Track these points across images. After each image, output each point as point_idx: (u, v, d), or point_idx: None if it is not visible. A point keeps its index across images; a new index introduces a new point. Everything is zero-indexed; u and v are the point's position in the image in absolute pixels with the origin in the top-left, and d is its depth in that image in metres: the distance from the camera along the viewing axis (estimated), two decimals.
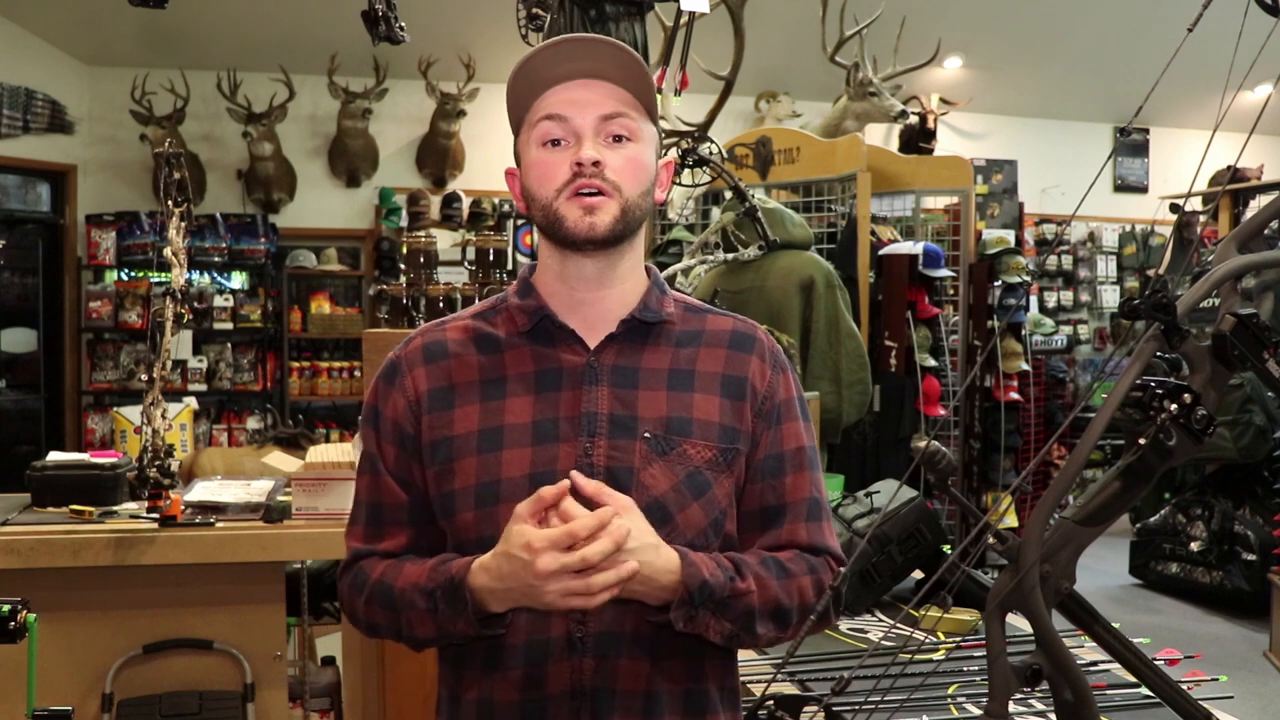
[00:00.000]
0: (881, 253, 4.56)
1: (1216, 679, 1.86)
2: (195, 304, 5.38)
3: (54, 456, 2.72)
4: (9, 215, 6.19)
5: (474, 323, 1.22)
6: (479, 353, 1.19)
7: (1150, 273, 7.83)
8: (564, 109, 1.12)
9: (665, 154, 1.25)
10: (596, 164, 1.10)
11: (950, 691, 1.72)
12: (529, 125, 1.15)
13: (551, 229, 1.14)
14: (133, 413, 3.24)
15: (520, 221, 6.35)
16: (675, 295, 1.25)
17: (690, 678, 1.14)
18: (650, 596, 1.06)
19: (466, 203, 6.50)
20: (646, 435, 1.13)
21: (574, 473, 1.04)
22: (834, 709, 1.06)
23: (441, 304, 2.75)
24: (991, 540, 0.93)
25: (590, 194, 1.11)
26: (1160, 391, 0.92)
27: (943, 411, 4.58)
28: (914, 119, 5.96)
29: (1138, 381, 0.93)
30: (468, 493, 1.13)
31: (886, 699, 1.21)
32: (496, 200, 6.50)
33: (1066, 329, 8.03)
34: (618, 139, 1.13)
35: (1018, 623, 1.61)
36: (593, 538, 0.99)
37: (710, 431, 1.15)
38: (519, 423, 1.14)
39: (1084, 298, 8.28)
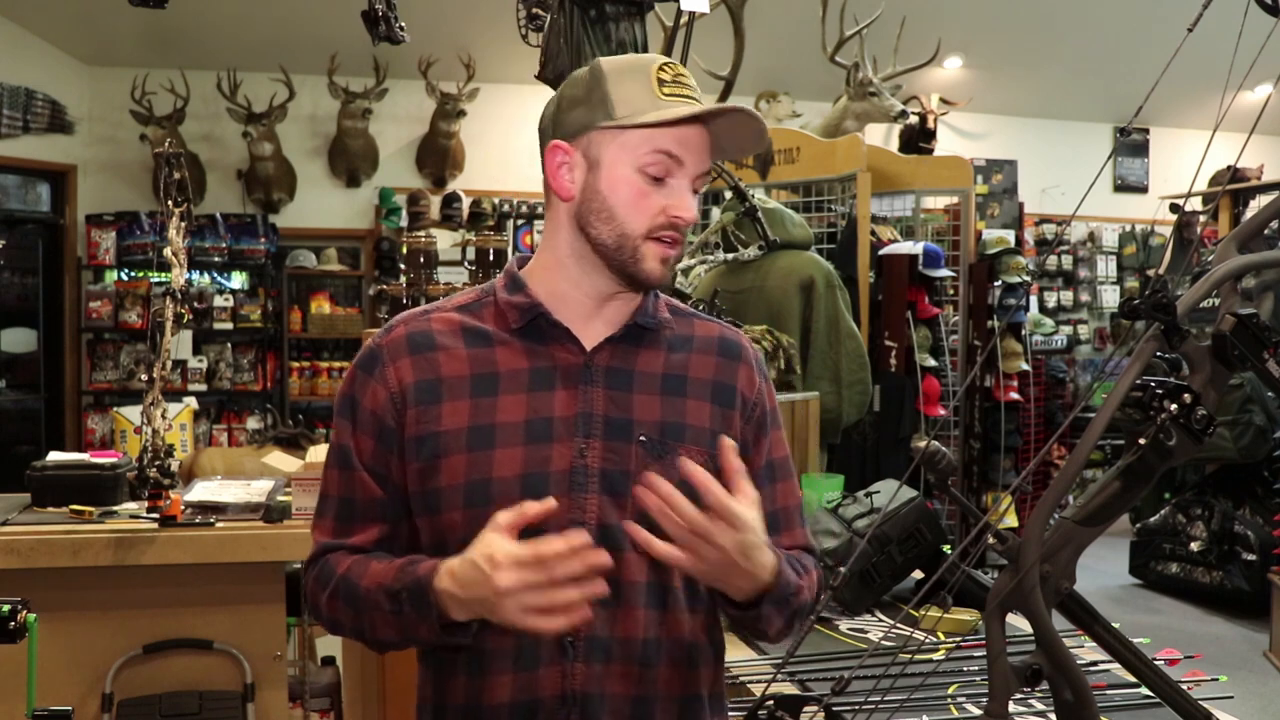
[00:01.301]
0: (881, 253, 4.56)
1: (1216, 679, 1.86)
2: (195, 304, 5.38)
3: (54, 456, 2.72)
4: (9, 215, 6.20)
5: (459, 315, 1.18)
6: (467, 346, 1.15)
7: (1150, 273, 7.83)
8: (683, 153, 1.11)
9: None
10: (693, 222, 1.14)
11: (950, 691, 1.72)
12: (642, 140, 1.09)
13: (620, 264, 1.12)
14: (133, 413, 3.24)
15: (520, 222, 6.35)
16: (663, 298, 1.24)
17: (681, 684, 1.14)
18: (739, 590, 1.06)
19: (466, 203, 6.50)
20: (642, 439, 1.12)
21: (692, 467, 1.01)
22: (834, 709, 1.05)
23: None
24: (991, 540, 0.94)
25: (670, 242, 1.13)
26: (1160, 391, 0.92)
27: (943, 411, 4.58)
28: (914, 119, 5.96)
29: (1138, 381, 0.93)
30: (456, 491, 1.10)
31: (886, 699, 1.20)
32: (496, 200, 6.49)
33: (1066, 329, 8.03)
34: (694, 190, 1.14)
35: (1018, 623, 1.61)
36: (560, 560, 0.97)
37: (702, 438, 1.15)
38: (511, 421, 1.11)
39: (1084, 298, 8.28)
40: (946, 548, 2.22)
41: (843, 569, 2.08)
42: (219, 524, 2.46)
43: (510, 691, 1.10)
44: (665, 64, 1.11)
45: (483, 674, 1.11)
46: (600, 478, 1.10)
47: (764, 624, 1.11)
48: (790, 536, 1.22)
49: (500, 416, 1.12)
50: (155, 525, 2.44)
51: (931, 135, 6.17)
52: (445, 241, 5.96)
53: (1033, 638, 0.95)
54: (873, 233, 4.56)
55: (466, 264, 2.93)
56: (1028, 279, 5.02)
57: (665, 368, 1.17)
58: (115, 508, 2.60)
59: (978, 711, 1.64)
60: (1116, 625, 1.06)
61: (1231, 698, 1.78)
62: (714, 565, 1.01)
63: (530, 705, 1.10)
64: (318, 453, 2.71)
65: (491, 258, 2.82)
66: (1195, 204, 7.37)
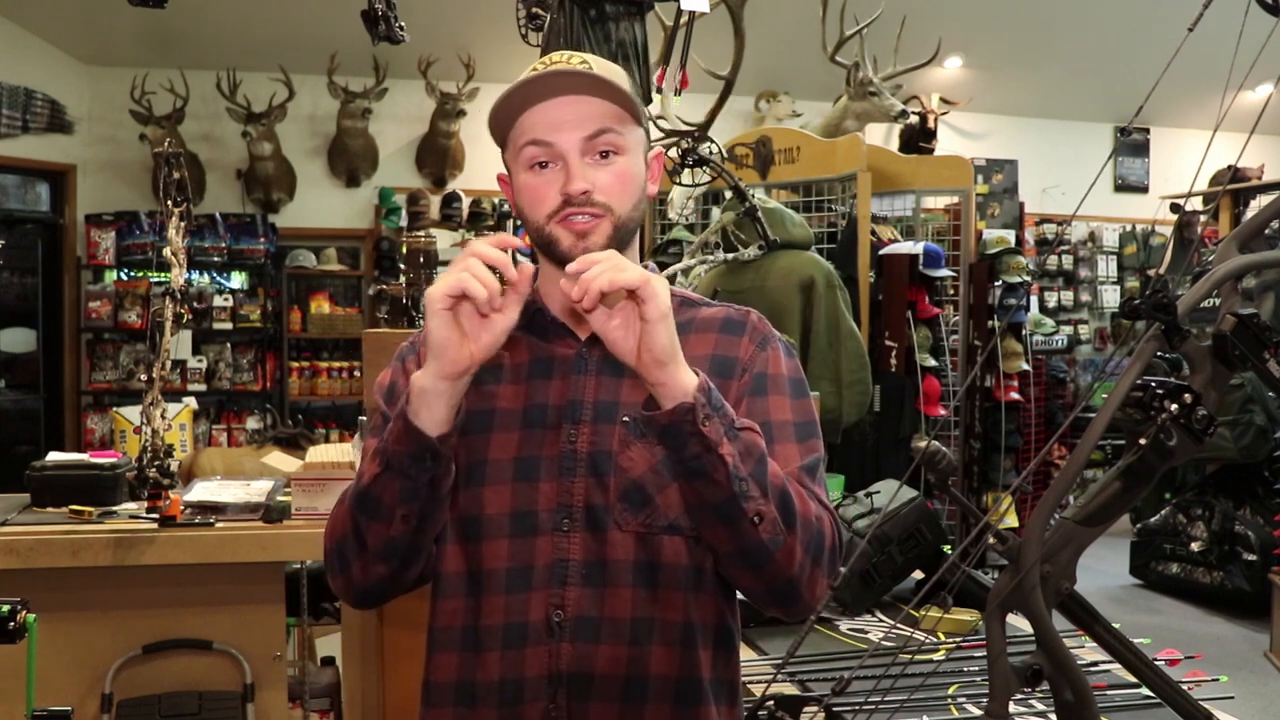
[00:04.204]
0: (882, 253, 4.56)
1: (1217, 679, 1.86)
2: (195, 304, 5.38)
3: (53, 456, 2.72)
4: (8, 215, 6.19)
5: None
6: None
7: (1151, 272, 7.83)
8: (546, 133, 1.12)
9: (653, 148, 1.25)
10: (586, 192, 1.11)
11: (950, 692, 1.72)
12: (514, 146, 1.16)
13: (546, 250, 1.16)
14: (132, 413, 3.24)
15: (520, 222, 6.34)
16: (673, 290, 1.26)
17: (677, 665, 1.13)
18: (656, 348, 0.98)
19: (466, 202, 6.51)
20: (625, 419, 1.14)
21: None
22: (834, 709, 1.05)
23: None
24: (991, 540, 0.93)
25: (581, 218, 1.12)
26: (1161, 391, 0.92)
27: (943, 411, 4.58)
28: (914, 119, 5.96)
29: (1138, 381, 0.93)
30: (456, 472, 1.13)
31: (887, 699, 1.20)
32: (496, 200, 6.50)
33: (1067, 329, 8.02)
34: (604, 154, 1.13)
35: (1018, 623, 1.61)
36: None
37: None
38: (510, 408, 1.17)
39: (1084, 298, 8.27)
40: (946, 548, 2.23)
41: (843, 569, 2.08)
42: (218, 524, 2.46)
43: (499, 670, 1.12)
44: (538, 63, 1.14)
45: (474, 651, 1.13)
46: (587, 461, 1.13)
47: (715, 438, 1.00)
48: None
49: (500, 404, 1.17)
50: (155, 525, 2.44)
51: (932, 135, 6.16)
52: (445, 241, 5.96)
53: (1033, 638, 0.95)
54: (873, 232, 4.55)
55: None
56: (1028, 279, 5.02)
57: None
58: (115, 508, 2.60)
59: (978, 712, 1.64)
60: (1117, 625, 1.06)
61: (1232, 698, 1.78)
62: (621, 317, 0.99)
63: (517, 684, 1.11)
64: (317, 453, 2.71)
65: None
66: (1196, 204, 7.38)
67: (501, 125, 1.17)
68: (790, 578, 1.07)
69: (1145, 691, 1.62)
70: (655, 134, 3.10)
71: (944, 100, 7.08)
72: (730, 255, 3.48)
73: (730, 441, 1.02)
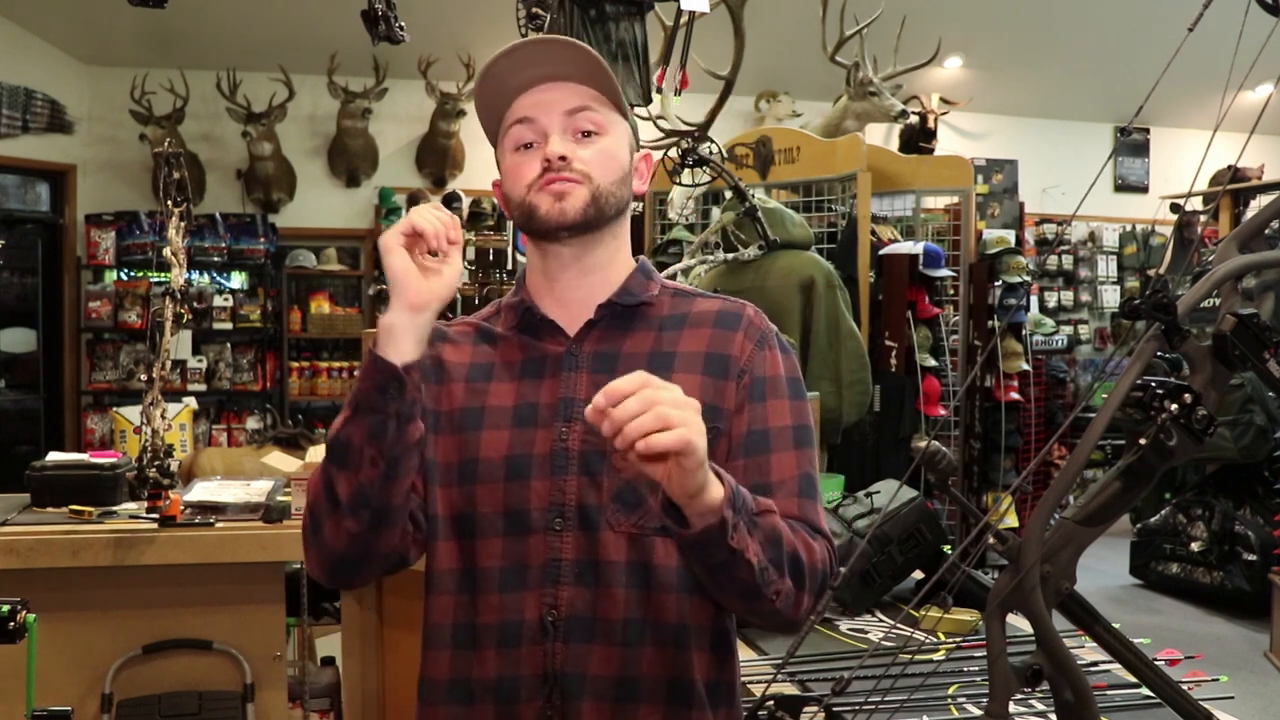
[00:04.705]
0: (882, 253, 4.56)
1: (1217, 679, 1.86)
2: (195, 304, 5.37)
3: (53, 456, 2.72)
4: (8, 215, 6.19)
5: (477, 320, 1.27)
6: (474, 344, 1.23)
7: (1151, 272, 7.83)
8: (530, 111, 1.16)
9: (642, 149, 1.27)
10: (564, 158, 1.13)
11: (950, 692, 1.72)
12: (503, 134, 1.19)
13: (527, 222, 1.17)
14: (132, 413, 3.24)
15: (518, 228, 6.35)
16: (665, 283, 1.26)
17: (669, 667, 1.13)
18: (689, 487, 0.95)
19: (466, 202, 6.46)
20: None
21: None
22: (834, 709, 1.05)
23: None
24: (991, 540, 0.93)
25: (554, 180, 1.14)
26: (1161, 391, 0.92)
27: (943, 411, 4.58)
28: (914, 119, 5.95)
29: (1138, 381, 0.93)
30: (449, 469, 1.16)
31: (887, 699, 1.20)
32: (496, 200, 6.49)
33: (1067, 329, 8.03)
34: (586, 134, 1.16)
35: (1018, 623, 1.61)
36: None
37: None
38: (501, 406, 1.17)
39: (1084, 298, 8.28)
40: (947, 548, 2.22)
41: (843, 569, 2.08)
42: (218, 524, 2.46)
43: (496, 668, 1.12)
44: (501, 54, 1.16)
45: (470, 649, 1.14)
46: (579, 459, 1.13)
47: (742, 545, 0.99)
48: (782, 508, 1.10)
49: (491, 401, 1.18)
50: (155, 525, 2.44)
51: (932, 135, 6.16)
52: None
53: (1033, 638, 0.95)
54: (873, 233, 4.55)
55: (466, 264, 2.93)
56: (1028, 279, 5.02)
57: (654, 346, 1.18)
58: (115, 508, 2.60)
59: (978, 712, 1.64)
60: (1117, 625, 1.06)
61: (1232, 698, 1.78)
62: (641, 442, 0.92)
63: (514, 682, 1.11)
64: (317, 453, 2.71)
65: (491, 258, 2.82)
66: (1196, 204, 7.38)
67: (491, 116, 1.19)
68: (797, 620, 1.10)
69: (1145, 691, 1.62)
70: (655, 134, 3.10)
71: (944, 100, 7.08)
72: (730, 255, 3.48)
73: (752, 535, 1.02)
